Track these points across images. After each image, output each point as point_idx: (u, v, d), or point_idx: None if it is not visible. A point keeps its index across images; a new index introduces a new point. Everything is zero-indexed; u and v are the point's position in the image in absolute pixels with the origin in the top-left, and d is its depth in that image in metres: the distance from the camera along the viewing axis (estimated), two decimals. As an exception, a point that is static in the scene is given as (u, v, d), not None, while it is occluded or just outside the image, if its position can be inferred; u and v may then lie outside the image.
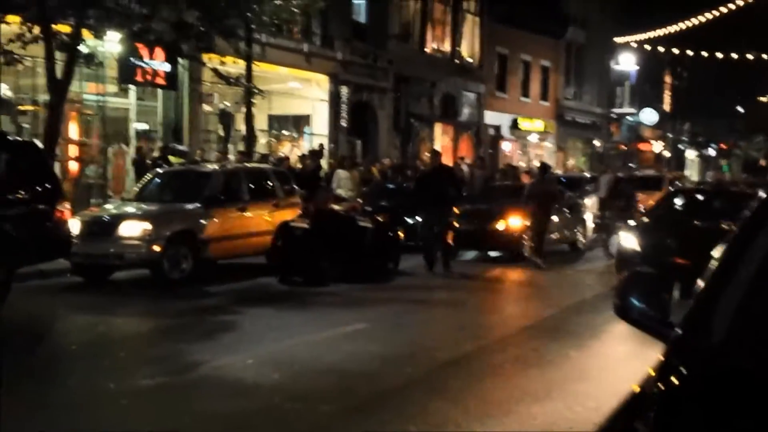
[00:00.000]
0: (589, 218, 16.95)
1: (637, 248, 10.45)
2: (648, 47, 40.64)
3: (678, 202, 12.71)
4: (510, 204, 14.79)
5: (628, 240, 10.82)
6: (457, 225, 13.34)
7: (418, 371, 6.67)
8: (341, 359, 6.95)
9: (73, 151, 17.70)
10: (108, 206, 13.25)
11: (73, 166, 17.73)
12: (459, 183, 14.06)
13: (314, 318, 8.92)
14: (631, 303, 2.50)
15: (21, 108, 16.68)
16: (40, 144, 11.06)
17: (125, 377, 6.30)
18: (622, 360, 7.11)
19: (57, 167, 17.55)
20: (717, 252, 8.34)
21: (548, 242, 14.50)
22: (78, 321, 8.77)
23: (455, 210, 13.06)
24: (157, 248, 10.84)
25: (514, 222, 14.35)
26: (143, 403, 5.70)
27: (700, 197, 13.00)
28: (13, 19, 12.08)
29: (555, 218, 14.72)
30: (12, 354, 6.87)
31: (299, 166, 18.35)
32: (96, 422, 5.23)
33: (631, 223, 12.33)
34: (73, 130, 17.70)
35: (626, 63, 41.42)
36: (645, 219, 12.04)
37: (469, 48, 31.43)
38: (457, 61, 30.43)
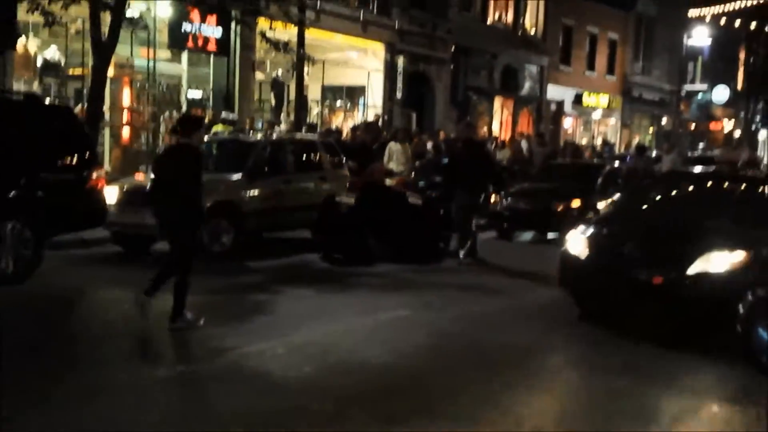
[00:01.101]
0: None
1: (584, 256, 7.46)
2: (723, 21, 38.56)
3: (664, 190, 9.06)
4: (571, 184, 13.89)
5: (575, 244, 7.66)
6: (489, 207, 12.31)
7: (463, 370, 5.96)
8: (380, 352, 6.28)
9: (125, 117, 17.40)
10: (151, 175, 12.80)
11: (125, 133, 17.44)
12: (490, 161, 12.14)
13: (355, 302, 8.27)
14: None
15: (70, 72, 16.41)
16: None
17: (142, 365, 5.75)
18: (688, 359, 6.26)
19: (107, 133, 17.45)
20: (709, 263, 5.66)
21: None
22: (105, 296, 8.30)
23: (486, 192, 11.43)
24: (196, 220, 10.32)
25: (575, 203, 13.45)
26: (154, 398, 5.11)
27: (695, 185, 9.09)
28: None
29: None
30: (27, 332, 6.45)
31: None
32: (91, 422, 4.63)
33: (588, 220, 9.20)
34: (125, 96, 17.40)
35: (699, 37, 39.39)
36: (607, 214, 9.13)
37: (532, 19, 30.20)
38: (519, 32, 29.25)
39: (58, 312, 7.36)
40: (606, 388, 5.63)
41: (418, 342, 6.66)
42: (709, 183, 9.07)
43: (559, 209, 13.41)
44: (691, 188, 8.98)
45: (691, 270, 6.75)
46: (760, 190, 8.31)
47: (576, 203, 13.45)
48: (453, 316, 7.75)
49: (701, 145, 36.65)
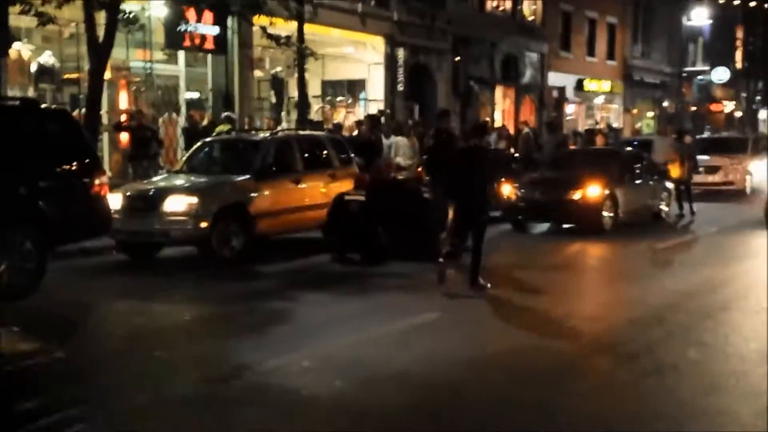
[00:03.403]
0: (671, 186, 15.47)
1: None
2: (722, 0, 38.18)
3: None
4: (588, 171, 13.46)
5: None
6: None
7: (509, 381, 5.53)
8: (414, 361, 5.85)
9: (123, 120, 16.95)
10: (155, 179, 12.36)
11: (123, 137, 17.01)
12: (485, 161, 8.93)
13: (377, 306, 7.86)
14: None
15: (66, 76, 15.97)
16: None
17: (157, 385, 5.32)
18: (759, 364, 5.86)
19: (105, 138, 16.99)
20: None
21: (628, 213, 13.37)
22: (114, 309, 7.88)
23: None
24: (204, 224, 9.93)
25: (593, 191, 13.02)
26: (174, 422, 4.70)
27: None
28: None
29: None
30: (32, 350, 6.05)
31: (355, 133, 17.28)
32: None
33: None
34: (123, 99, 16.97)
35: (699, 18, 38.95)
36: None
37: (531, 5, 29.76)
38: (518, 19, 28.83)
39: (65, 328, 6.93)
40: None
41: (450, 349, 6.23)
42: None
43: (574, 199, 12.97)
44: None
45: None
46: None
47: (592, 191, 13.02)
48: (483, 318, 7.34)
49: (709, 126, 36.25)
